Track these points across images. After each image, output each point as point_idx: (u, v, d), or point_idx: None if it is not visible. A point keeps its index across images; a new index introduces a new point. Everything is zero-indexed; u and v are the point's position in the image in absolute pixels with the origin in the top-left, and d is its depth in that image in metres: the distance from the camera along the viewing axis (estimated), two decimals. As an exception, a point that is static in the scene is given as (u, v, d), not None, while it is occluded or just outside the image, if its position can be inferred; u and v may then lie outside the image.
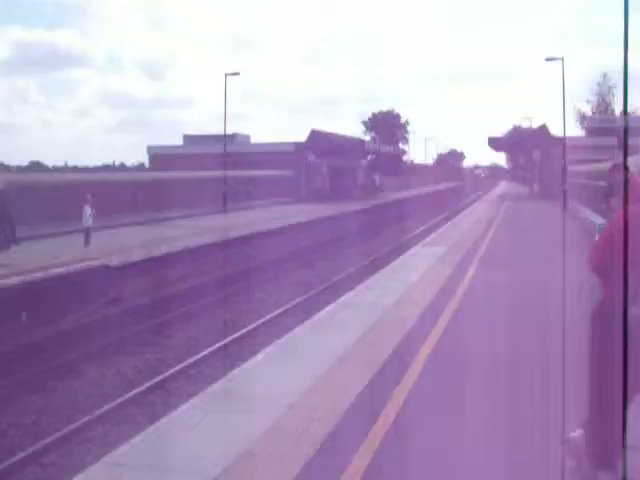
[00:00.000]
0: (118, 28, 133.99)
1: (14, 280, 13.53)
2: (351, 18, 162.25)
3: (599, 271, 4.24)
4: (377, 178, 59.04)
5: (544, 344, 7.08)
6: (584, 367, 4.18)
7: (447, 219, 34.85)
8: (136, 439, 5.32)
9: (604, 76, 75.17)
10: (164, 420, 5.74)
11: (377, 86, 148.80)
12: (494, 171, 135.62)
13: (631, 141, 3.14)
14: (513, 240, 19.74)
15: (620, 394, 3.58)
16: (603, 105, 75.45)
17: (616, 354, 3.19)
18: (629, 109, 3.57)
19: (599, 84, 75.68)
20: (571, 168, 36.50)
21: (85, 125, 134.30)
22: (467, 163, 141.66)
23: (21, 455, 8.05)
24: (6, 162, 59.20)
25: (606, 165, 21.37)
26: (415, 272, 13.65)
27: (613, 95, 74.56)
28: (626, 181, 3.66)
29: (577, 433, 4.28)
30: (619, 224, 4.20)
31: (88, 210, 18.96)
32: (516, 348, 7.35)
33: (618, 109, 70.77)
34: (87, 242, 18.90)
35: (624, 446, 3.36)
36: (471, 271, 13.76)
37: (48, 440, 8.37)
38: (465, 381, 6.33)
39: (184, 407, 6.02)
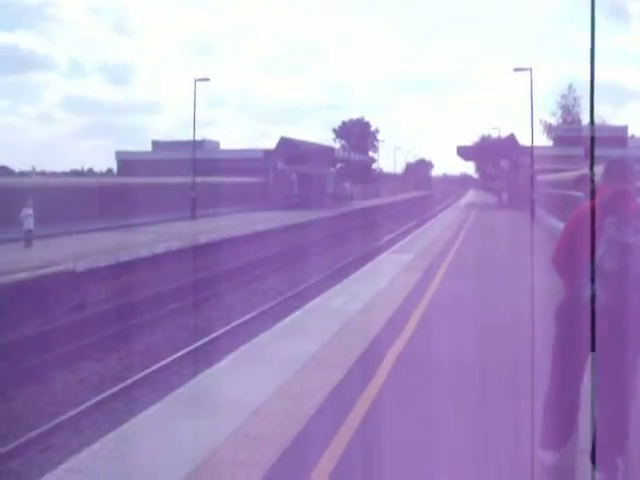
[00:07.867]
0: (80, 31, 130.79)
1: None
2: (320, 26, 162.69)
3: (556, 266, 4.46)
4: (348, 186, 59.21)
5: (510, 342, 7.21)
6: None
7: (416, 226, 34.98)
8: (96, 445, 5.19)
9: (570, 87, 76.21)
10: (126, 426, 5.61)
11: (346, 94, 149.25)
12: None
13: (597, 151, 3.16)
14: (480, 247, 19.87)
15: (579, 380, 3.69)
16: (569, 117, 76.33)
17: (582, 348, 3.22)
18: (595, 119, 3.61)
19: (564, 96, 76.64)
20: (539, 177, 36.92)
21: (50, 130, 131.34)
22: (435, 172, 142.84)
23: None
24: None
25: (572, 174, 21.65)
26: (383, 279, 13.63)
27: (579, 106, 75.52)
28: (592, 191, 3.72)
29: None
30: (571, 222, 4.35)
31: (28, 211, 18.94)
32: (482, 351, 7.37)
33: (585, 119, 71.75)
34: (28, 244, 18.90)
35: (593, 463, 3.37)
36: (438, 277, 13.80)
37: (6, 448, 8.17)
38: (430, 385, 6.36)
39: (146, 413, 5.89)
